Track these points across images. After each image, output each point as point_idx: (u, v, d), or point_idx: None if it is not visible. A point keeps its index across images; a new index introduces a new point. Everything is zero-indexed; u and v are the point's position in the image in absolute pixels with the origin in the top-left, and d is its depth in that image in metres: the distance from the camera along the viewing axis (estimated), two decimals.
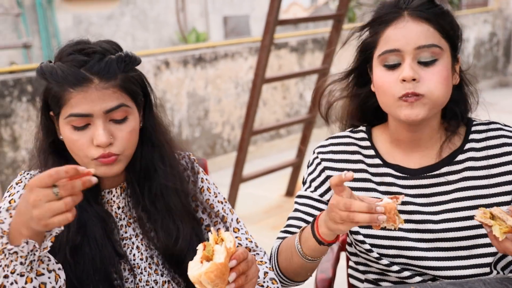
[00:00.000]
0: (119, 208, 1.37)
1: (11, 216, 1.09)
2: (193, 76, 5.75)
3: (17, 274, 1.08)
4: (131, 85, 1.29)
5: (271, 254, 1.45)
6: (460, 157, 1.40)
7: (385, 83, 1.32)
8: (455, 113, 1.41)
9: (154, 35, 9.87)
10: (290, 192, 5.09)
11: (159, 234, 1.36)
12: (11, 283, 1.08)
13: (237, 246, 1.13)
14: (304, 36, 6.89)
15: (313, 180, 1.49)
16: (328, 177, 1.46)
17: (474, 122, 1.44)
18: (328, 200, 1.45)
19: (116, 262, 1.32)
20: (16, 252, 1.07)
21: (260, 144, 6.46)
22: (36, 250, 1.08)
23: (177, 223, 1.36)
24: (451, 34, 1.34)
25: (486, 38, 9.65)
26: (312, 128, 4.94)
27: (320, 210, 1.47)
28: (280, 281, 1.42)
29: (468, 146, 1.41)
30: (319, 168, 1.48)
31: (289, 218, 1.49)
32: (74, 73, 1.21)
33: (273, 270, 1.40)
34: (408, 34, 1.30)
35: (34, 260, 1.10)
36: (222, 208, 1.47)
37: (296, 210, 1.49)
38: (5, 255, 1.08)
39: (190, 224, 1.38)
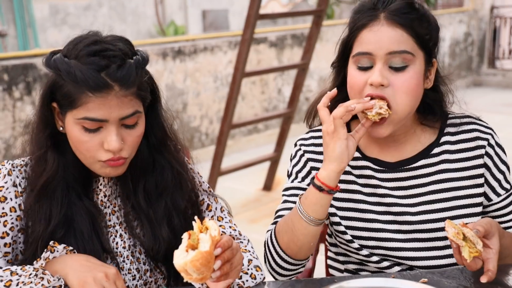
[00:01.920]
0: (105, 196, 1.37)
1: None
2: (172, 69, 5.73)
3: None
4: (144, 91, 1.28)
5: (266, 241, 1.45)
6: (436, 150, 1.43)
7: (355, 84, 1.34)
8: (431, 108, 1.44)
9: (132, 27, 9.79)
10: (267, 186, 5.12)
11: (147, 230, 1.36)
12: None
13: (222, 234, 1.14)
14: (284, 32, 6.91)
15: (299, 171, 1.51)
16: (312, 168, 1.48)
17: (450, 115, 1.47)
18: None
19: (101, 255, 1.32)
20: (43, 279, 1.18)
21: (238, 139, 6.48)
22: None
23: (176, 222, 1.37)
24: (426, 39, 1.34)
25: (461, 38, 9.81)
26: (290, 123, 4.98)
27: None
28: (283, 266, 1.41)
29: (443, 139, 1.44)
30: (303, 159, 1.50)
31: (278, 210, 1.50)
32: (94, 77, 1.18)
33: (257, 258, 1.41)
34: (381, 38, 1.30)
35: None
36: (207, 197, 1.48)
37: (285, 201, 1.50)
38: (35, 275, 1.18)
39: (182, 222, 1.39)
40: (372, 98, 1.29)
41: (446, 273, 1.32)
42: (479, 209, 1.42)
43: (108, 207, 1.38)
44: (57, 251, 1.21)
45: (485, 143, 1.42)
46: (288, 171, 1.54)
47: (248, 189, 5.15)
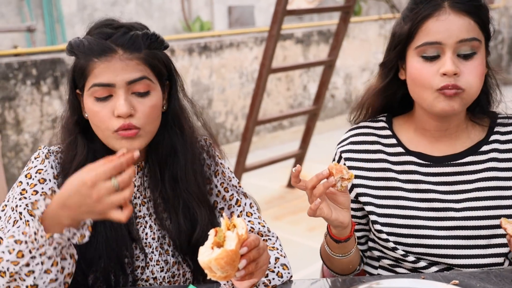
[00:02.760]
0: (134, 186, 1.37)
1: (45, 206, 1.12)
2: (197, 65, 5.74)
3: (47, 257, 1.11)
4: (156, 61, 1.29)
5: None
6: (485, 147, 1.42)
7: (423, 75, 1.32)
8: (480, 103, 1.42)
9: (158, 22, 9.84)
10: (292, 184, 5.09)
11: (174, 220, 1.36)
12: (37, 264, 1.10)
13: (250, 232, 1.12)
14: (310, 28, 6.88)
15: None
16: (350, 168, 1.47)
17: (500, 115, 1.46)
18: (355, 197, 1.48)
19: (129, 244, 1.33)
20: (52, 238, 1.10)
21: (262, 135, 6.47)
22: (73, 238, 1.12)
23: (195, 209, 1.37)
24: (487, 26, 1.35)
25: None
26: (316, 120, 4.94)
27: None
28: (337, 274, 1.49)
29: (493, 137, 1.42)
30: (342, 162, 1.50)
31: None
32: (99, 43, 1.23)
33: (285, 257, 1.39)
34: (450, 27, 1.30)
35: (65, 246, 1.13)
36: (236, 192, 1.47)
37: None
38: (35, 239, 1.10)
39: (207, 212, 1.39)
40: (330, 173, 1.24)
41: (477, 275, 1.29)
42: None
43: (138, 198, 1.38)
44: (39, 207, 1.13)
45: None
46: None
47: (273, 186, 5.13)
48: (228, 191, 1.46)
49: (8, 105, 4.46)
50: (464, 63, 1.31)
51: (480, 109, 1.44)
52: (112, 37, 1.25)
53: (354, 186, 1.48)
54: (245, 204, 1.47)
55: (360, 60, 7.25)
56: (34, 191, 1.29)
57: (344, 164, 1.49)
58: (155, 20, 9.82)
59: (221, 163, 1.48)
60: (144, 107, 1.26)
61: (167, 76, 1.35)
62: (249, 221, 1.45)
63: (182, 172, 1.37)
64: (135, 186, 1.38)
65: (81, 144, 1.33)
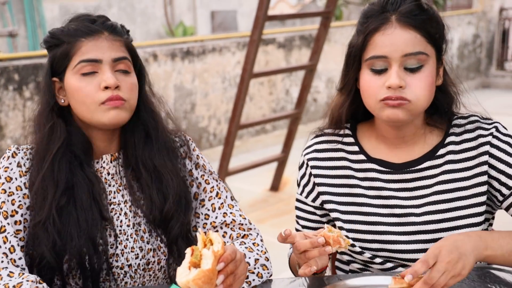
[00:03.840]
0: (108, 174, 1.43)
1: None
2: (180, 70, 5.76)
3: None
4: (132, 47, 1.43)
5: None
6: (441, 151, 1.44)
7: (370, 87, 1.36)
8: (438, 109, 1.45)
9: (141, 27, 9.84)
10: (275, 187, 5.13)
11: (146, 196, 1.42)
12: None
13: (227, 244, 1.15)
14: (292, 33, 6.94)
15: (305, 185, 1.55)
16: (315, 184, 1.52)
17: (455, 117, 1.48)
18: (320, 204, 1.52)
19: (100, 225, 1.36)
20: None
21: (245, 139, 6.50)
22: None
23: (167, 182, 1.42)
24: (437, 38, 1.37)
25: (469, 39, 9.79)
26: (298, 124, 4.99)
27: (314, 214, 1.55)
28: None
29: (448, 140, 1.45)
30: (308, 172, 1.54)
31: (296, 217, 1.60)
32: (86, 26, 1.36)
33: (265, 253, 1.43)
34: (395, 41, 1.32)
35: None
36: (217, 185, 1.51)
37: (296, 209, 1.59)
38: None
39: (179, 184, 1.44)
40: (326, 242, 1.27)
41: None
42: (481, 209, 1.41)
43: (113, 185, 1.43)
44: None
45: (488, 138, 1.41)
46: (297, 179, 1.58)
47: (256, 190, 5.16)
48: (209, 183, 1.50)
49: None
50: (411, 76, 1.33)
51: (438, 114, 1.46)
52: (96, 22, 1.37)
53: (320, 193, 1.51)
54: (226, 197, 1.51)
55: (342, 64, 7.31)
56: (2, 189, 1.33)
57: (311, 176, 1.52)
58: (138, 25, 9.82)
59: (202, 157, 1.53)
60: (127, 83, 1.37)
61: (137, 70, 1.45)
62: (230, 213, 1.48)
63: (154, 149, 1.44)
64: (109, 173, 1.43)
65: (57, 127, 1.38)
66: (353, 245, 1.45)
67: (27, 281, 1.20)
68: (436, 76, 1.39)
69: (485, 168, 1.41)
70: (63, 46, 1.35)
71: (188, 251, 1.10)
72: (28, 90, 4.62)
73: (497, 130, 1.42)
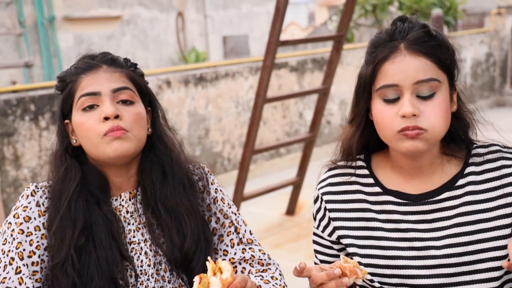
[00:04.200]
0: (127, 212, 1.40)
1: None
2: (194, 96, 5.80)
3: None
4: (137, 78, 1.41)
5: None
6: (461, 181, 1.40)
7: (384, 118, 1.33)
8: (454, 137, 1.42)
9: (154, 54, 9.96)
10: (290, 211, 5.11)
11: (166, 236, 1.39)
12: None
13: (237, 274, 1.14)
14: (304, 56, 6.97)
15: (321, 219, 1.52)
16: (330, 219, 1.49)
17: (475, 145, 1.44)
18: (337, 239, 1.49)
19: (121, 264, 1.34)
20: None
21: (260, 163, 6.50)
22: None
23: (185, 221, 1.39)
24: (448, 64, 1.34)
25: (482, 58, 9.76)
26: (312, 147, 4.98)
27: (331, 248, 1.52)
28: None
29: (468, 170, 1.40)
30: (323, 207, 1.50)
31: (314, 250, 1.57)
32: (85, 63, 1.38)
33: (284, 287, 1.41)
34: (406, 69, 1.30)
35: None
36: (236, 219, 1.48)
37: (314, 243, 1.56)
38: None
39: (197, 223, 1.41)
40: (343, 273, 1.26)
41: None
42: (506, 242, 1.36)
43: (132, 224, 1.40)
44: None
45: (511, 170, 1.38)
46: (313, 212, 1.55)
47: (271, 214, 5.14)
48: (227, 218, 1.47)
49: (7, 140, 4.50)
50: (424, 104, 1.30)
51: (454, 142, 1.42)
52: (95, 59, 1.38)
53: (335, 228, 1.48)
54: (245, 231, 1.48)
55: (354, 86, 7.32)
56: (20, 230, 1.31)
57: (326, 210, 1.50)
58: (151, 51, 9.94)
59: (220, 190, 1.50)
60: (129, 113, 1.34)
61: (148, 102, 1.43)
62: (249, 248, 1.46)
63: (171, 187, 1.41)
64: (128, 212, 1.40)
65: (72, 167, 1.37)
66: (371, 280, 1.42)
67: None
68: (450, 103, 1.37)
69: (510, 199, 1.37)
70: (68, 87, 1.37)
71: (196, 279, 1.09)
72: (44, 120, 4.67)
73: None
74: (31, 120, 4.61)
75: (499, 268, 1.36)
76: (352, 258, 1.46)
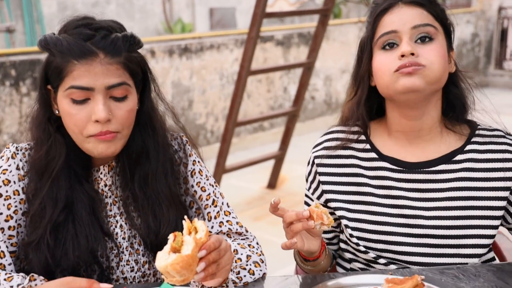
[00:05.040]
0: (105, 185, 1.38)
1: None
2: (178, 66, 5.75)
3: None
4: (134, 65, 1.29)
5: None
6: (460, 157, 1.41)
7: (383, 63, 1.35)
8: (453, 109, 1.44)
9: (139, 24, 9.82)
10: (272, 184, 5.13)
11: (143, 219, 1.37)
12: None
13: (213, 234, 1.15)
14: (290, 30, 6.92)
15: (311, 181, 1.54)
16: (320, 182, 1.51)
17: (479, 126, 1.46)
18: (325, 202, 1.51)
19: (102, 240, 1.33)
20: None
21: (243, 136, 6.49)
22: None
23: (163, 209, 1.37)
24: (444, 19, 1.40)
25: (468, 38, 9.78)
26: (295, 121, 4.99)
27: None
28: None
29: (469, 147, 1.42)
30: (313, 170, 1.52)
31: None
32: (79, 45, 1.21)
33: (260, 255, 1.42)
34: (403, 16, 1.35)
35: None
36: (213, 192, 1.47)
37: (305, 203, 1.59)
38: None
39: (176, 211, 1.39)
40: (311, 216, 1.29)
41: (445, 272, 1.33)
42: (497, 222, 1.39)
43: (110, 197, 1.38)
44: (36, 279, 1.21)
45: None
46: (306, 174, 1.58)
47: (253, 187, 5.16)
48: (205, 190, 1.46)
49: None
50: (422, 46, 1.34)
51: (456, 115, 1.44)
52: (93, 39, 1.23)
53: (324, 192, 1.50)
54: (222, 204, 1.47)
55: (340, 62, 7.32)
56: None
57: (316, 174, 1.51)
58: (136, 21, 9.81)
59: (198, 162, 1.48)
60: (121, 111, 1.27)
61: (141, 77, 1.35)
62: (227, 221, 1.45)
63: (152, 173, 1.37)
64: (106, 185, 1.38)
65: (54, 140, 1.31)
66: (357, 244, 1.44)
67: (17, 275, 1.20)
68: (449, 61, 1.40)
69: (508, 184, 1.39)
70: (56, 60, 1.25)
71: (170, 236, 1.09)
72: (25, 86, 4.61)
73: None
74: (12, 85, 4.54)
75: (483, 245, 1.38)
76: (338, 223, 1.49)
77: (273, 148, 5.50)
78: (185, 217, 1.12)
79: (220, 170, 4.48)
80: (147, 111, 1.38)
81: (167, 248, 1.07)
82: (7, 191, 1.30)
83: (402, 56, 1.32)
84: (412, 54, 1.31)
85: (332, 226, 1.52)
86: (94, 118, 1.23)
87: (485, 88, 9.74)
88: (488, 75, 10.19)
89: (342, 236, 1.56)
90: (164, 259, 1.05)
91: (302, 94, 4.89)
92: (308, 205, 1.57)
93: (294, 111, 4.93)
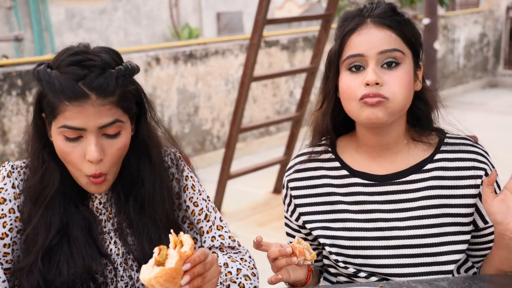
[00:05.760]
0: (100, 203, 1.39)
1: None
2: (183, 73, 5.78)
3: None
4: (127, 101, 1.29)
5: None
6: (429, 166, 1.43)
7: (349, 87, 1.35)
8: (419, 120, 1.45)
9: (146, 30, 9.87)
10: (277, 190, 5.13)
11: (138, 243, 1.38)
12: None
13: (200, 248, 1.15)
14: (295, 35, 6.93)
15: (288, 205, 1.56)
16: (296, 206, 1.52)
17: (448, 135, 1.47)
18: (302, 224, 1.52)
19: (98, 259, 1.34)
20: None
21: (249, 141, 6.51)
22: None
23: (160, 236, 1.37)
24: (413, 41, 1.38)
25: (476, 38, 9.72)
26: (300, 126, 4.99)
27: (299, 232, 1.56)
28: None
29: (438, 156, 1.43)
30: (289, 194, 1.54)
31: (285, 233, 1.62)
32: (71, 86, 1.20)
33: (252, 268, 1.43)
34: (371, 39, 1.34)
35: None
36: (206, 206, 1.48)
37: (285, 225, 1.61)
38: None
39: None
40: (293, 252, 1.32)
41: (435, 283, 1.33)
42: (468, 228, 1.41)
43: (104, 214, 1.39)
44: None
45: (482, 172, 1.41)
46: (282, 197, 1.59)
47: (258, 192, 5.17)
48: (197, 205, 1.47)
49: None
50: (388, 73, 1.33)
51: (422, 127, 1.45)
52: (85, 79, 1.21)
53: (300, 214, 1.51)
54: (215, 218, 1.48)
55: None
56: None
57: (291, 198, 1.52)
58: (143, 27, 9.86)
59: (191, 177, 1.49)
60: (113, 149, 1.27)
61: (136, 108, 1.34)
62: (219, 236, 1.46)
63: (149, 200, 1.38)
64: (100, 203, 1.39)
65: (49, 167, 1.32)
66: (336, 261, 1.45)
67: None
68: (415, 81, 1.40)
69: (475, 191, 1.41)
70: (49, 96, 1.23)
71: (155, 250, 1.10)
72: (31, 95, 4.66)
73: (489, 167, 1.42)
74: (18, 95, 4.59)
75: (458, 251, 1.40)
76: (318, 241, 1.50)
77: (279, 152, 5.50)
78: (172, 230, 1.13)
79: (225, 176, 4.49)
80: (143, 139, 1.38)
81: (151, 261, 1.08)
82: (2, 210, 1.31)
83: (367, 84, 1.32)
84: (377, 83, 1.31)
85: (313, 244, 1.54)
86: (87, 158, 1.24)
87: (494, 88, 9.68)
88: (497, 75, 10.12)
89: (324, 252, 1.57)
90: (147, 272, 1.07)
91: (306, 99, 4.90)
92: (288, 227, 1.59)
93: (298, 116, 4.94)
